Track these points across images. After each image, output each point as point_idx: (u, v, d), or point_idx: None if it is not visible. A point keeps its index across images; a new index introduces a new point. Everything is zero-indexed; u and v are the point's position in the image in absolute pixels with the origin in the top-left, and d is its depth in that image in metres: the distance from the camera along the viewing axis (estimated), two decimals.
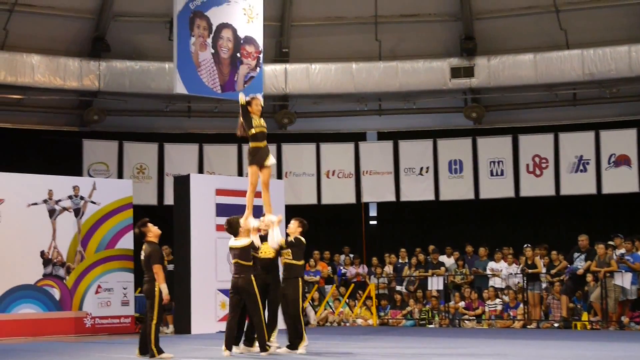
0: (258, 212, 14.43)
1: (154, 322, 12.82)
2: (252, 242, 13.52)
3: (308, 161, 25.62)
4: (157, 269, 12.89)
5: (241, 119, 13.86)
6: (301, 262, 13.69)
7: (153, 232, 13.28)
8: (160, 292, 12.87)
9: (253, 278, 13.33)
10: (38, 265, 18.87)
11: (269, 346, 13.31)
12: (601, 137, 24.20)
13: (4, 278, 18.32)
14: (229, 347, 13.27)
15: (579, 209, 24.33)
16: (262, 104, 14.28)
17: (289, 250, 13.53)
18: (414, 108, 25.40)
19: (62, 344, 16.84)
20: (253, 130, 13.75)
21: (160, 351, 12.83)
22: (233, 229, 13.48)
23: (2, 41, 23.20)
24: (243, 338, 13.86)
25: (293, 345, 13.53)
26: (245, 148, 24.12)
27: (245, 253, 13.38)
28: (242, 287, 13.24)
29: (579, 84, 24.14)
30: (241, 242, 13.41)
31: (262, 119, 14.00)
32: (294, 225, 13.73)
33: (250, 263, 13.39)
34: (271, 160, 13.92)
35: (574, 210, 24.42)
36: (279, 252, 13.68)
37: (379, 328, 20.98)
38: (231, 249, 13.49)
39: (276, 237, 13.60)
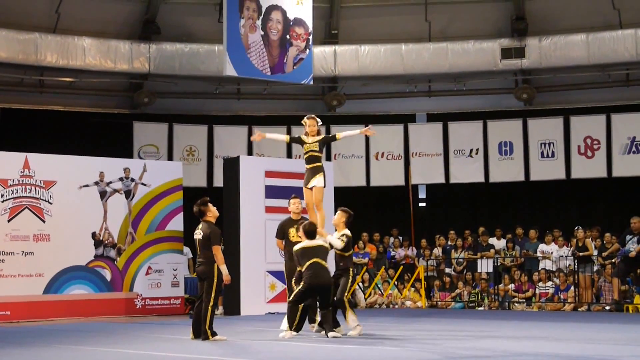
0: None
1: (211, 304, 12.82)
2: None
3: (357, 143, 25.54)
4: (217, 250, 12.87)
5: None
6: (350, 253, 13.81)
7: (212, 212, 13.22)
8: (219, 274, 12.90)
9: None
10: (89, 246, 19.08)
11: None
12: None
13: (56, 259, 18.54)
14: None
15: (632, 190, 24.05)
16: (317, 122, 14.24)
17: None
18: (464, 89, 25.26)
19: (113, 325, 17.00)
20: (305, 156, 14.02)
21: (214, 333, 12.82)
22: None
23: (54, 24, 23.42)
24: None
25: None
26: (294, 131, 24.48)
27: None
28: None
29: (632, 64, 23.83)
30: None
31: (316, 137, 14.05)
32: (338, 217, 13.74)
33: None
34: (312, 182, 13.91)
35: (626, 192, 24.16)
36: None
37: (427, 310, 20.94)
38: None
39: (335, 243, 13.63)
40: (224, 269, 12.88)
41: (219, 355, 11.14)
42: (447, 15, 25.17)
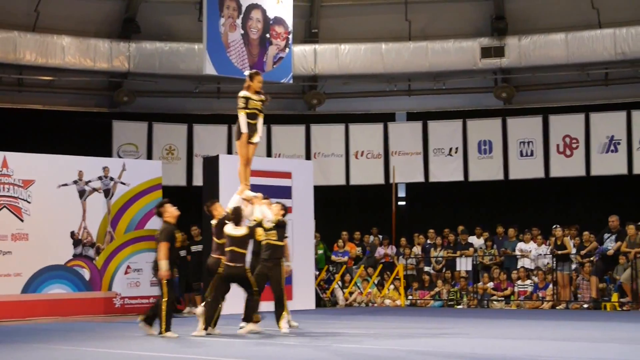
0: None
1: (164, 299, 13.14)
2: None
3: (337, 142, 25.59)
4: (161, 246, 13.24)
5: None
6: (283, 243, 14.10)
7: (169, 212, 13.58)
8: (165, 270, 13.16)
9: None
10: (68, 245, 19.01)
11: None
12: (633, 117, 24.01)
13: (35, 258, 18.46)
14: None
15: (610, 189, 24.14)
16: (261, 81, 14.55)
17: (275, 231, 13.92)
18: (444, 88, 25.34)
19: (92, 324, 16.96)
20: (247, 111, 14.17)
21: (167, 329, 13.12)
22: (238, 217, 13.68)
23: (33, 23, 23.33)
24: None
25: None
26: (274, 130, 24.58)
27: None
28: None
29: (610, 63, 23.94)
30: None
31: (262, 95, 14.32)
32: (277, 209, 14.17)
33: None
34: (256, 138, 14.28)
35: (605, 191, 24.24)
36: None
37: (407, 309, 20.98)
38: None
39: (268, 215, 13.89)
40: (163, 263, 13.21)
41: (199, 354, 11.13)
42: (427, 14, 25.21)
